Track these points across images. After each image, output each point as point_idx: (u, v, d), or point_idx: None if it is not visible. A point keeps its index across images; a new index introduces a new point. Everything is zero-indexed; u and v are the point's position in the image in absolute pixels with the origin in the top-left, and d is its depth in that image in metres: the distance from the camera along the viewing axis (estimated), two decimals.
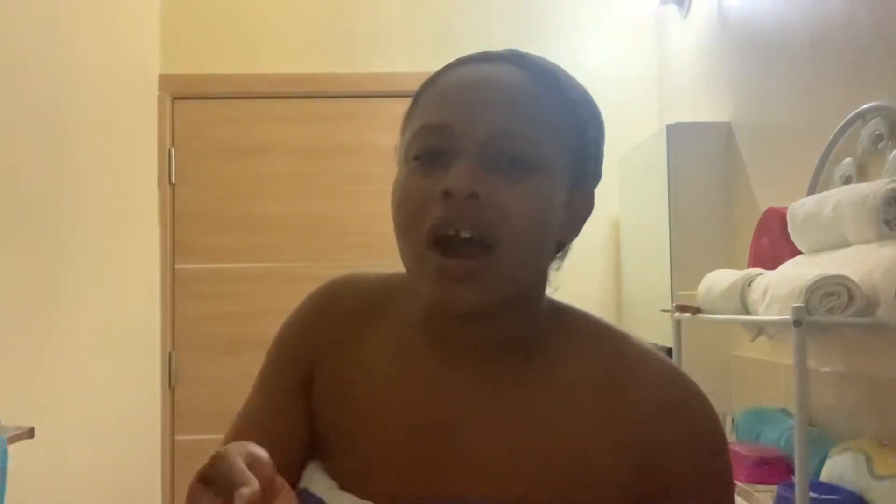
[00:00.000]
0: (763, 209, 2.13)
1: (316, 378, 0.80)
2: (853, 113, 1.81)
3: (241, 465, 0.58)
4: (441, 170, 0.70)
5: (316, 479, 0.75)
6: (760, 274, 1.86)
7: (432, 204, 0.69)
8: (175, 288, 3.32)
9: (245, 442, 0.62)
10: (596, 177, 0.79)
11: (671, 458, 0.70)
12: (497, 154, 0.70)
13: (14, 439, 1.84)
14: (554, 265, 0.79)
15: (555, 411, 0.72)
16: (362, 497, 0.73)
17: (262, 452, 0.61)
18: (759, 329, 1.97)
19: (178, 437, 3.28)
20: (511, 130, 0.70)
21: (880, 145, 1.73)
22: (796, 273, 1.63)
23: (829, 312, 1.50)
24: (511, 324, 0.75)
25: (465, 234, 0.68)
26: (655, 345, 3.05)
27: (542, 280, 0.78)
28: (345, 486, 0.74)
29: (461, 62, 0.76)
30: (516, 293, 0.73)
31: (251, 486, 0.56)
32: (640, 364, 0.73)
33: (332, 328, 0.80)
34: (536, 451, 0.71)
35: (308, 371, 0.80)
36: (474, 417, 0.73)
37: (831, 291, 1.50)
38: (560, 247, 0.78)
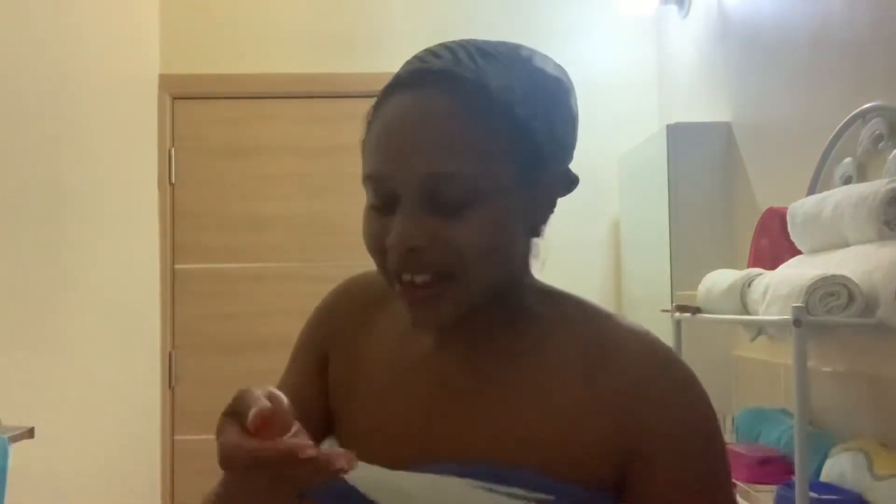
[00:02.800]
0: (763, 209, 2.13)
1: (330, 360, 0.90)
2: (853, 113, 1.81)
3: (258, 394, 0.66)
4: (390, 213, 0.75)
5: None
6: (760, 274, 1.86)
7: (386, 249, 0.75)
8: (175, 288, 3.32)
9: (267, 385, 0.69)
10: (564, 151, 0.80)
11: (656, 423, 0.74)
12: (434, 196, 0.73)
13: (14, 439, 1.84)
14: (536, 242, 0.82)
15: (542, 381, 0.78)
16: (366, 461, 0.78)
17: (280, 394, 0.67)
18: (759, 329, 1.97)
19: (177, 437, 3.28)
20: (442, 173, 0.73)
21: (880, 145, 1.73)
22: (796, 273, 1.63)
23: (829, 312, 1.50)
24: (496, 309, 0.80)
25: (419, 280, 0.74)
26: None
27: (521, 264, 0.81)
28: None
29: (396, 86, 0.77)
30: (492, 292, 0.78)
31: (264, 406, 0.63)
32: (625, 338, 0.78)
33: (343, 317, 0.91)
34: (524, 417, 0.77)
35: (324, 355, 0.91)
36: (467, 389, 0.80)
37: (831, 291, 1.51)
38: (536, 229, 0.80)
